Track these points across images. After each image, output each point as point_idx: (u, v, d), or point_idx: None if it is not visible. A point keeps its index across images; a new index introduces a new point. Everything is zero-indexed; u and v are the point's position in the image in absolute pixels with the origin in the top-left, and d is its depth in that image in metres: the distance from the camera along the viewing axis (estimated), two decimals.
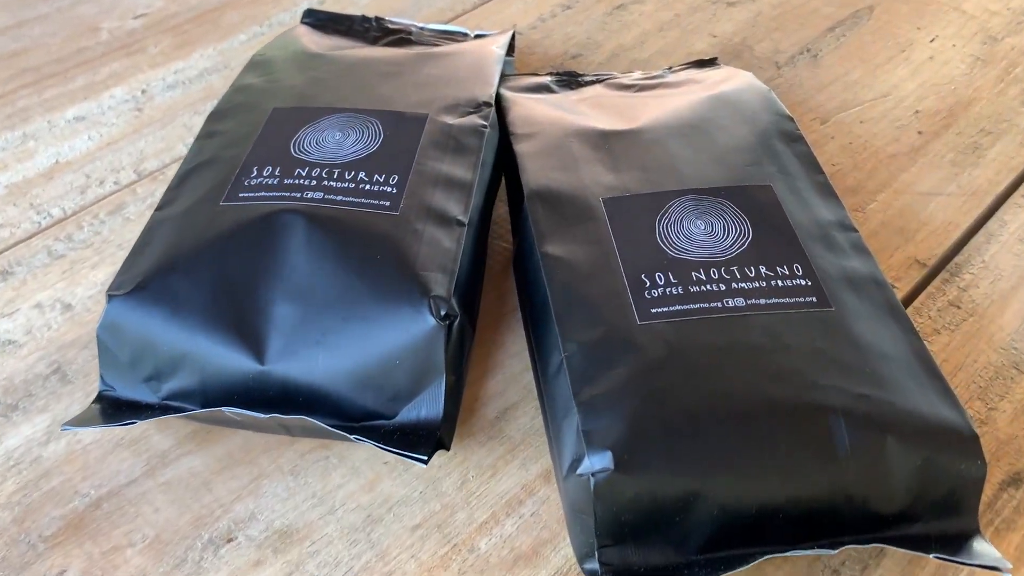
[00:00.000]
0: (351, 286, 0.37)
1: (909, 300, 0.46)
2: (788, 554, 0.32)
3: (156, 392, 0.37)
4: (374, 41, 0.56)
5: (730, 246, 0.39)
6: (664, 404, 0.33)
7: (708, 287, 0.37)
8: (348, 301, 0.37)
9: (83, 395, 0.42)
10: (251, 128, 0.44)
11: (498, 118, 0.49)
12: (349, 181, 0.41)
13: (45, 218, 0.51)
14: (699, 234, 0.39)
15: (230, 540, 0.37)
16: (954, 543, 0.32)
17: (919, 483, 0.33)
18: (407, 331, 0.36)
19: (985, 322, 0.45)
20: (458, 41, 0.56)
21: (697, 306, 0.36)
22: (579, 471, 0.33)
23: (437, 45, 0.55)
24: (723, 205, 0.41)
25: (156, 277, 0.38)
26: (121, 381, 0.38)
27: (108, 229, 0.50)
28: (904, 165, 0.53)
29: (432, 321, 0.36)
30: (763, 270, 0.38)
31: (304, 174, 0.41)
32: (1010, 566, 0.32)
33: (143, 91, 0.60)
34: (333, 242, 0.38)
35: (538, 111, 0.48)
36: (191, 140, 0.54)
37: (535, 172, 0.43)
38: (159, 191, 0.52)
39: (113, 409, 0.37)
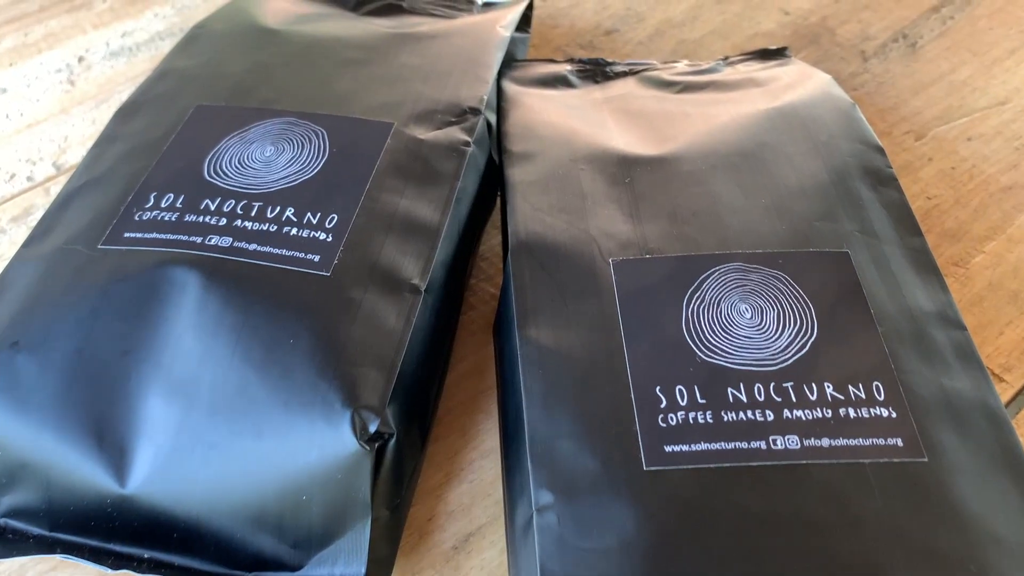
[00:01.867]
0: (248, 384, 0.27)
1: (1020, 399, 0.35)
2: None
3: None
4: (356, 6, 0.44)
5: (786, 347, 0.28)
6: None
7: (750, 414, 0.26)
8: (243, 406, 0.27)
9: None
10: (162, 133, 0.34)
11: (496, 120, 0.37)
12: (270, 221, 0.30)
13: None
14: (744, 325, 0.28)
15: None
16: None
17: None
18: (321, 454, 0.26)
19: None
20: (459, 12, 0.44)
21: (732, 446, 0.25)
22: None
23: (433, 15, 0.44)
24: (779, 281, 0.29)
25: (17, 351, 0.28)
26: None
27: (7, 242, 0.40)
28: (1023, 200, 0.41)
29: (354, 443, 0.26)
30: (830, 390, 0.27)
31: (213, 207, 0.31)
32: None
33: (80, 58, 0.49)
34: (233, 315, 0.28)
35: (545, 117, 0.37)
36: None
37: (527, 214, 0.32)
38: None
39: None
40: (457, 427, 0.34)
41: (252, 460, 0.26)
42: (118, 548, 0.27)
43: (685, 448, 0.25)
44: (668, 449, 0.25)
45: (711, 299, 0.29)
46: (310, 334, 0.27)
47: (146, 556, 0.27)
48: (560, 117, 0.37)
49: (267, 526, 0.26)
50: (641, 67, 0.42)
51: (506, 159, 0.35)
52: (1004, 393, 0.35)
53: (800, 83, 0.38)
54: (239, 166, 0.32)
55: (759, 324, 0.28)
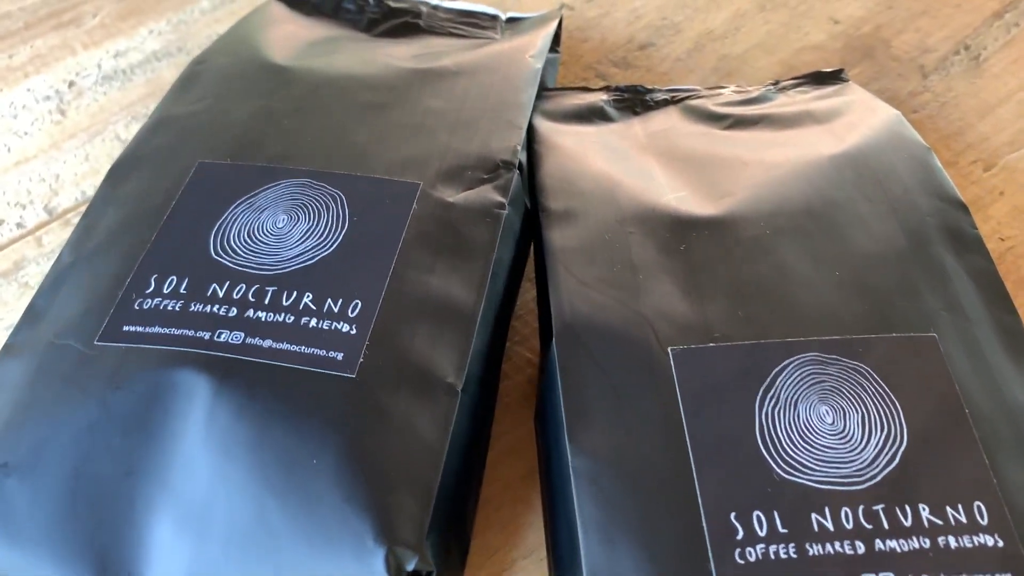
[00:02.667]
0: (267, 512, 0.24)
1: None
2: None
3: None
4: (369, 26, 0.40)
5: (874, 460, 0.24)
6: None
7: (839, 547, 0.23)
8: (261, 538, 0.23)
9: None
10: (162, 198, 0.31)
11: (527, 163, 0.34)
12: (286, 310, 0.27)
13: None
14: (825, 432, 0.25)
15: None
16: None
17: None
18: None
19: None
20: (482, 30, 0.41)
21: None
22: None
23: (453, 34, 0.40)
24: (861, 375, 0.26)
25: (10, 473, 0.25)
26: None
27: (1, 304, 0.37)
28: None
29: None
30: (925, 514, 0.23)
31: (221, 293, 0.27)
32: None
33: (70, 83, 0.45)
34: (247, 429, 0.24)
35: (585, 165, 0.33)
36: None
37: (572, 290, 0.29)
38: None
39: None
40: (496, 521, 0.31)
41: None
42: None
43: None
44: None
45: (787, 399, 0.26)
46: (335, 452, 0.24)
47: None
48: (601, 163, 0.34)
49: None
50: (684, 94, 0.39)
51: (544, 218, 0.31)
52: None
53: (864, 120, 0.35)
54: (248, 240, 0.29)
55: (842, 431, 0.25)
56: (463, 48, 0.38)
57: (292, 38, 0.38)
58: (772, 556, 0.23)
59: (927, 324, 0.27)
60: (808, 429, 0.25)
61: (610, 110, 0.38)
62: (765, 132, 0.35)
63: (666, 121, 0.37)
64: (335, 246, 0.29)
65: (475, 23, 0.41)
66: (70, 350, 0.27)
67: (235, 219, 0.29)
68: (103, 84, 0.45)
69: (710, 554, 0.23)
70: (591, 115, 0.38)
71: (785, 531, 0.23)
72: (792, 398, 0.26)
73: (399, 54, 0.37)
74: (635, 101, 0.38)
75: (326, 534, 0.23)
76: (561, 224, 0.31)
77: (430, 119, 0.33)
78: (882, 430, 0.25)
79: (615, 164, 0.34)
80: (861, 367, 0.26)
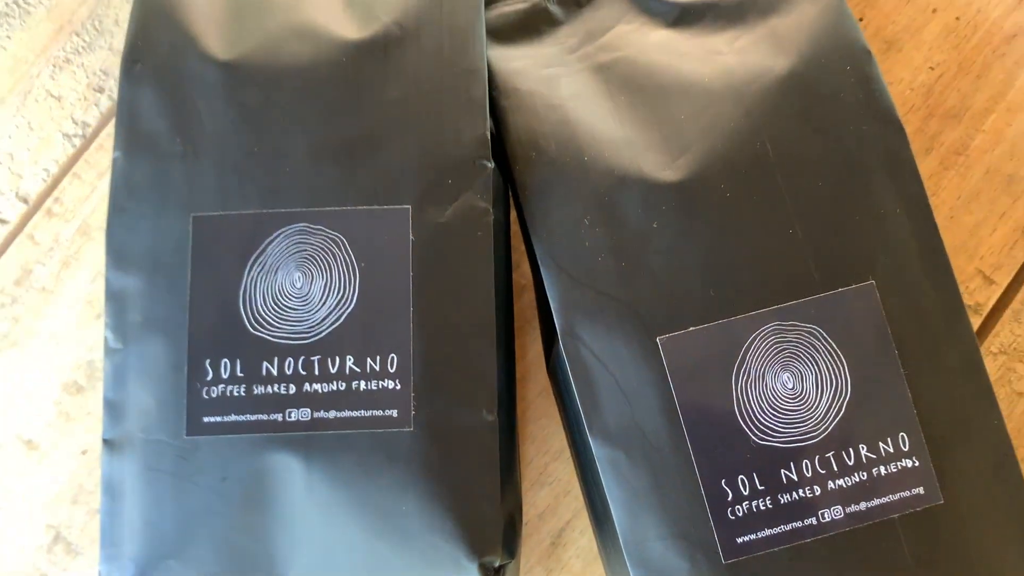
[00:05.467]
0: (377, 553, 0.31)
1: (1007, 298, 0.39)
2: None
3: None
4: None
5: (825, 414, 0.32)
6: None
7: (801, 493, 0.31)
8: (379, 571, 0.31)
9: None
10: (175, 262, 0.33)
11: (492, 116, 0.35)
12: (336, 377, 0.32)
13: None
14: (788, 397, 0.32)
15: None
16: None
17: None
18: None
19: None
20: None
21: (789, 528, 0.31)
22: None
23: None
24: (814, 337, 0.32)
25: (152, 567, 0.32)
26: None
27: (25, 310, 0.40)
28: None
29: None
30: (864, 452, 0.32)
31: (275, 372, 0.32)
32: None
33: None
34: (341, 493, 0.31)
35: (550, 125, 0.35)
36: (69, 125, 0.40)
37: (568, 293, 0.33)
38: (67, 234, 0.40)
39: None
40: (527, 435, 0.38)
41: None
42: None
43: (753, 537, 0.31)
44: (740, 541, 0.31)
45: (756, 372, 0.32)
46: (416, 497, 0.31)
47: None
48: (566, 113, 0.35)
49: None
50: None
51: (531, 216, 0.34)
52: (992, 295, 0.39)
53: (807, 17, 0.35)
54: (275, 307, 0.32)
55: (800, 393, 0.32)
56: None
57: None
58: (754, 509, 0.31)
59: (867, 271, 0.32)
60: (774, 397, 0.32)
61: (554, 9, 0.38)
62: (711, 36, 0.36)
63: (614, 15, 0.37)
64: (355, 300, 0.32)
65: None
66: (165, 446, 0.32)
67: (255, 286, 0.32)
68: (1, 24, 0.42)
69: (709, 515, 0.31)
70: (540, 25, 0.37)
71: (762, 488, 0.31)
72: (760, 371, 0.32)
73: (327, 2, 0.35)
74: None
75: (428, 561, 0.31)
76: (548, 217, 0.34)
77: (394, 122, 0.33)
78: (831, 386, 0.32)
79: (582, 112, 0.35)
80: (814, 328, 0.32)
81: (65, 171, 0.41)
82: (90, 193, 0.41)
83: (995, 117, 0.40)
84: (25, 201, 0.41)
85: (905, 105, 0.40)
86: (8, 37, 0.42)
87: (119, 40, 0.42)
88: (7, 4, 0.42)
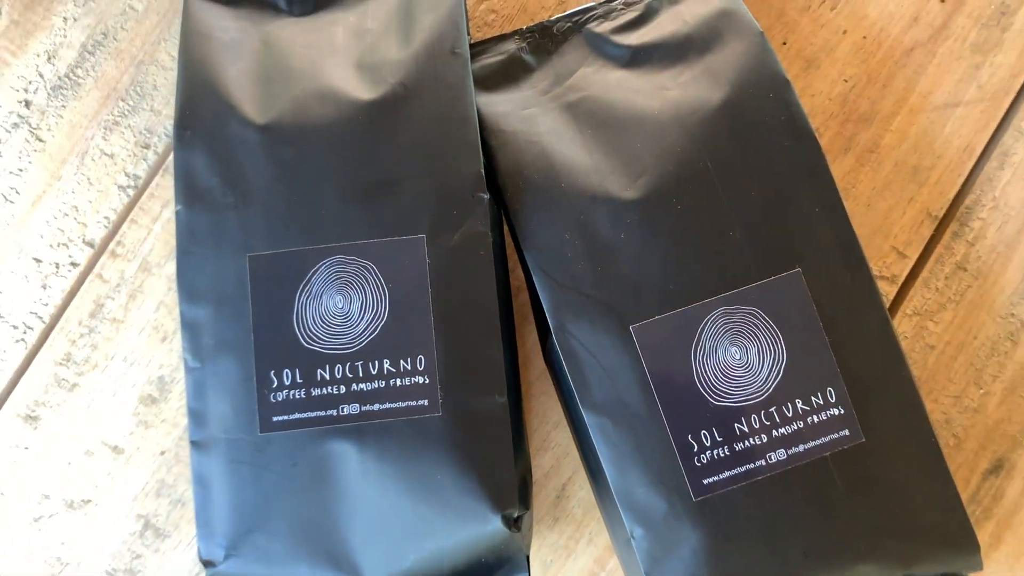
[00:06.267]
0: (421, 514, 0.39)
1: (918, 269, 0.47)
2: None
3: None
4: (290, 2, 0.45)
5: (767, 378, 0.40)
6: None
7: (752, 441, 0.40)
8: (424, 529, 0.39)
9: (185, 547, 0.46)
10: (237, 294, 0.40)
11: (483, 153, 0.43)
12: (377, 377, 0.40)
13: (26, 332, 0.48)
14: (736, 366, 0.40)
15: None
16: None
17: None
18: (488, 543, 0.40)
19: (988, 284, 0.47)
20: None
21: (743, 469, 0.39)
22: None
23: None
24: (756, 317, 0.40)
25: (241, 540, 0.40)
26: None
27: (102, 339, 0.48)
28: (922, 63, 0.48)
29: (506, 531, 0.40)
30: (800, 405, 0.40)
31: (328, 377, 0.40)
32: None
33: (26, 103, 0.49)
34: (389, 469, 0.39)
35: (532, 158, 0.43)
36: (123, 178, 0.47)
37: (557, 295, 0.41)
38: (130, 271, 0.48)
39: None
40: (531, 411, 0.47)
41: (444, 554, 0.40)
42: None
43: (716, 479, 0.39)
44: (705, 482, 0.39)
45: (710, 347, 0.40)
46: (449, 467, 0.39)
47: None
48: (544, 148, 0.43)
49: (464, 574, 0.41)
50: (583, 16, 0.46)
51: (522, 234, 0.42)
52: (904, 268, 0.47)
53: (735, 53, 0.43)
54: (323, 324, 0.40)
55: (746, 363, 0.40)
56: (390, 36, 0.43)
57: (241, 66, 0.43)
58: (715, 457, 0.40)
59: (794, 262, 0.41)
60: (725, 367, 0.40)
61: (528, 59, 0.45)
62: (658, 74, 0.44)
63: (577, 60, 0.45)
64: (387, 314, 0.40)
65: None
66: (243, 442, 0.40)
67: (305, 309, 0.40)
68: (56, 97, 0.49)
69: (680, 464, 0.40)
70: (518, 72, 0.45)
71: (720, 439, 0.40)
72: (713, 346, 0.40)
73: (340, 68, 0.43)
74: (545, 39, 0.45)
75: (461, 516, 0.39)
76: (538, 236, 0.41)
77: (406, 166, 0.41)
78: (770, 355, 0.40)
79: (557, 145, 0.43)
80: (754, 310, 0.40)
81: (123, 218, 0.48)
82: (146, 235, 0.48)
83: (900, 118, 0.48)
84: (91, 246, 0.48)
85: (825, 113, 0.48)
86: (64, 107, 0.49)
87: (158, 102, 0.49)
88: (60, 79, 0.49)
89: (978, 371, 0.46)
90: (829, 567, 0.39)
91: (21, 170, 0.49)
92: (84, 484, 0.47)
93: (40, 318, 0.48)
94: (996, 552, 0.46)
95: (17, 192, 0.48)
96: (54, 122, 0.49)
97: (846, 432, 0.40)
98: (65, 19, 0.49)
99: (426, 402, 0.39)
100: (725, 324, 0.40)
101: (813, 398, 0.40)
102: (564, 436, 0.47)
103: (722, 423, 0.40)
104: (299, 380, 0.40)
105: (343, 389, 0.39)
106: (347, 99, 0.42)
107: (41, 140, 0.49)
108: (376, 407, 0.39)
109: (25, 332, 0.47)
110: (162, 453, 0.47)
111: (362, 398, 0.39)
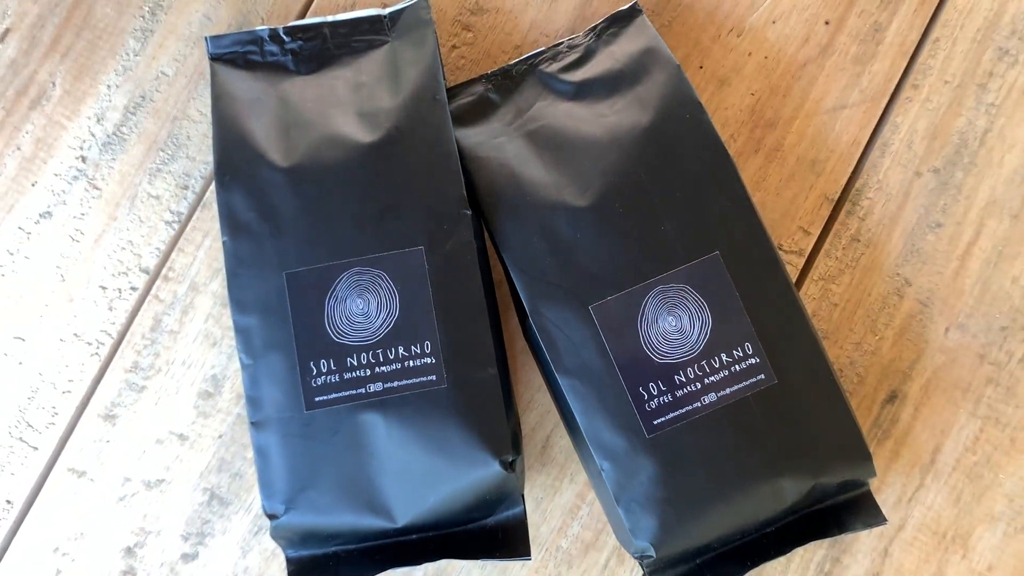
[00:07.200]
0: (436, 466, 0.50)
1: (820, 243, 0.59)
2: (770, 560, 0.53)
3: (326, 548, 0.53)
4: (298, 66, 0.56)
5: (698, 339, 0.51)
6: (678, 502, 0.50)
7: (689, 388, 0.51)
8: (439, 478, 0.50)
9: (245, 511, 0.57)
10: (278, 302, 0.51)
11: (464, 178, 0.54)
12: (394, 361, 0.51)
13: (99, 347, 0.58)
14: (673, 331, 0.51)
15: None
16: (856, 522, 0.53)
17: (837, 495, 0.52)
18: (490, 483, 0.51)
19: (877, 251, 0.59)
20: (376, 35, 0.56)
21: (684, 411, 0.51)
22: (631, 550, 0.51)
23: (356, 50, 0.56)
24: (686, 292, 0.52)
25: (296, 496, 0.50)
26: (298, 550, 0.53)
27: (162, 348, 0.58)
28: (814, 75, 0.59)
29: (504, 473, 0.51)
30: (724, 358, 0.51)
31: (355, 363, 0.51)
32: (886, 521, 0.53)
33: (83, 158, 0.59)
34: (410, 432, 0.50)
35: (505, 177, 0.53)
36: (168, 215, 0.58)
37: (531, 286, 0.52)
38: (181, 291, 0.58)
39: (309, 571, 0.53)
40: (517, 380, 0.58)
41: (456, 495, 0.51)
42: (402, 541, 0.53)
43: (663, 419, 0.51)
44: (655, 423, 0.51)
45: (652, 318, 0.51)
46: (455, 426, 0.50)
47: (415, 538, 0.53)
48: (513, 170, 0.54)
49: (471, 511, 0.52)
50: (537, 59, 0.57)
51: (499, 240, 0.53)
52: (809, 243, 0.59)
53: (657, 84, 0.54)
54: (348, 322, 0.51)
55: (680, 328, 0.51)
56: (382, 88, 0.54)
57: (264, 120, 0.53)
58: (662, 402, 0.51)
59: (713, 247, 0.52)
60: (665, 332, 0.51)
61: (494, 97, 0.56)
62: (598, 104, 0.55)
63: (533, 96, 0.56)
64: (399, 313, 0.51)
65: (367, 30, 0.56)
66: (293, 419, 0.51)
67: (333, 311, 0.51)
68: (107, 151, 0.59)
69: (635, 410, 0.51)
70: (486, 109, 0.56)
71: (664, 389, 0.51)
72: (654, 317, 0.51)
73: (344, 117, 0.54)
74: (507, 80, 0.56)
75: (468, 464, 0.50)
76: (512, 240, 0.52)
77: (404, 194, 0.52)
78: (699, 321, 0.51)
79: (521, 166, 0.54)
80: (685, 287, 0.52)
81: (171, 248, 0.59)
82: (192, 261, 0.59)
83: (798, 122, 0.59)
84: (147, 272, 0.59)
85: (737, 122, 0.59)
86: (114, 159, 0.59)
87: (192, 150, 0.59)
88: (109, 136, 0.59)
89: (873, 321, 0.58)
90: (756, 482, 0.50)
91: (83, 214, 0.59)
92: (158, 467, 0.57)
93: (109, 335, 0.58)
94: (895, 464, 0.57)
95: (81, 233, 0.59)
96: (107, 172, 0.59)
97: (762, 376, 0.51)
98: (109, 87, 0.60)
99: (434, 377, 0.50)
100: (663, 299, 0.51)
101: (734, 351, 0.51)
102: (545, 398, 0.58)
103: (665, 376, 0.51)
104: (333, 368, 0.50)
105: (368, 372, 0.50)
106: (353, 142, 0.53)
107: (97, 188, 0.59)
108: (395, 384, 0.50)
109: (98, 347, 0.58)
110: (220, 436, 0.58)
111: (384, 378, 0.50)
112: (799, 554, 0.56)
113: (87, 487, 0.57)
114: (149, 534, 0.57)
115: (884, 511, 0.56)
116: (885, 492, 0.57)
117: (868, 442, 0.53)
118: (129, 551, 0.56)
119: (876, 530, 0.56)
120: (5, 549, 0.56)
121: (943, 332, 0.58)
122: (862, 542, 0.57)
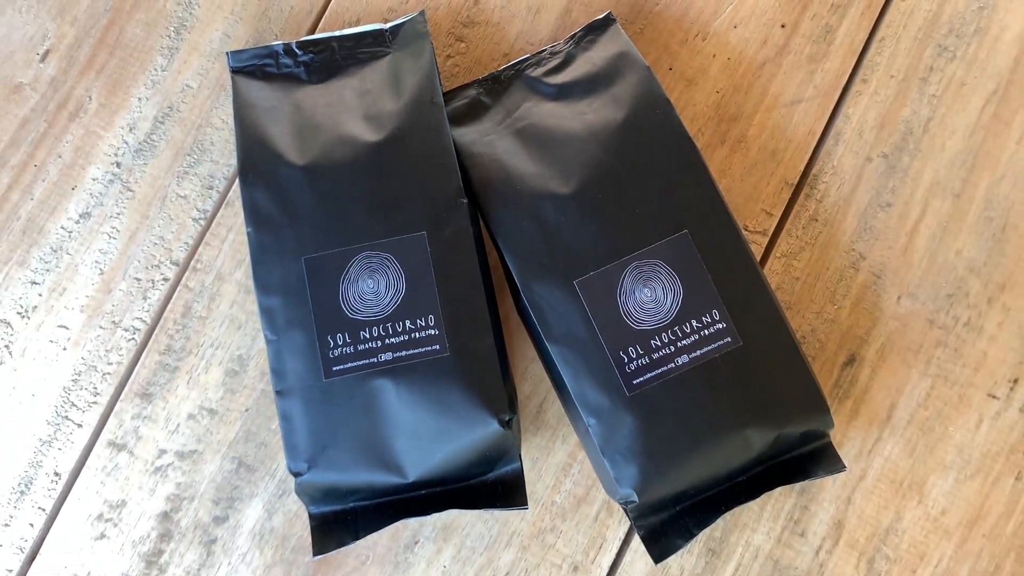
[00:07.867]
0: (440, 425, 0.57)
1: (782, 223, 0.66)
2: (741, 504, 0.59)
3: (344, 503, 0.60)
4: (309, 76, 0.62)
5: (670, 308, 0.58)
6: (657, 452, 0.57)
7: (664, 351, 0.57)
8: (445, 436, 0.57)
9: (270, 477, 0.64)
10: (298, 284, 0.57)
11: (460, 172, 0.60)
12: (402, 333, 0.57)
13: (135, 333, 0.65)
14: (648, 301, 0.58)
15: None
16: (817, 469, 0.59)
17: (800, 447, 0.58)
18: (489, 441, 0.57)
19: (834, 229, 0.65)
20: (379, 47, 0.63)
21: (659, 371, 0.57)
22: (617, 499, 0.58)
23: (361, 61, 0.62)
24: (659, 267, 0.58)
25: (317, 456, 0.57)
26: (320, 507, 0.59)
27: (192, 332, 0.65)
28: (773, 73, 0.66)
29: (501, 430, 0.57)
30: (694, 324, 0.58)
31: (367, 336, 0.57)
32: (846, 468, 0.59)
33: (117, 163, 0.66)
34: (417, 395, 0.56)
35: (497, 171, 0.60)
36: (195, 212, 0.65)
37: (522, 266, 0.59)
38: (208, 281, 0.65)
39: (331, 525, 0.59)
40: (512, 351, 0.64)
41: (461, 453, 0.57)
42: (412, 495, 0.59)
43: (642, 379, 0.57)
44: (634, 382, 0.57)
45: (629, 290, 0.58)
46: (457, 389, 0.56)
47: (424, 493, 0.59)
48: (504, 163, 0.60)
49: (474, 466, 0.59)
50: (523, 65, 0.63)
51: (493, 226, 0.59)
52: (771, 223, 0.65)
53: (629, 85, 0.61)
54: (361, 300, 0.57)
55: (655, 298, 0.58)
56: (385, 94, 0.61)
57: (282, 127, 0.60)
58: (640, 364, 0.57)
59: (682, 226, 0.58)
60: (641, 302, 0.58)
61: (485, 100, 0.63)
62: (578, 103, 0.61)
63: (520, 98, 0.62)
64: (405, 291, 0.57)
65: (370, 43, 0.63)
66: (313, 387, 0.57)
67: (347, 291, 0.57)
68: (139, 157, 0.66)
69: (616, 371, 0.57)
70: (479, 110, 0.62)
71: (641, 352, 0.57)
72: (631, 289, 0.58)
73: (352, 120, 0.60)
74: (496, 85, 0.63)
75: (469, 422, 0.57)
76: (506, 227, 0.59)
77: (408, 186, 0.58)
78: (672, 292, 0.58)
79: (511, 160, 0.60)
80: (659, 262, 0.58)
81: (199, 242, 0.65)
82: (218, 253, 0.65)
83: (759, 116, 0.66)
84: (177, 264, 0.65)
85: (704, 117, 0.66)
86: (145, 164, 0.66)
87: (215, 154, 0.66)
88: (140, 143, 0.66)
89: (831, 292, 0.65)
90: (725, 433, 0.57)
91: (119, 214, 0.66)
92: (190, 439, 0.64)
93: (144, 321, 0.65)
94: (855, 421, 0.64)
95: (117, 231, 0.65)
96: (139, 176, 0.66)
97: (728, 339, 0.57)
98: (139, 99, 0.66)
99: (437, 347, 0.57)
100: (638, 273, 0.58)
101: (703, 318, 0.58)
102: (537, 368, 0.64)
103: (642, 341, 0.57)
104: (348, 340, 0.57)
105: (379, 344, 0.57)
106: (360, 142, 0.59)
107: (131, 190, 0.66)
108: (404, 353, 0.57)
109: (134, 333, 0.65)
110: (246, 410, 0.64)
111: (393, 348, 0.57)
112: (771, 503, 0.63)
113: (126, 459, 0.63)
114: (183, 500, 0.63)
115: (846, 463, 0.62)
116: (847, 446, 0.63)
117: (829, 400, 0.59)
118: (165, 516, 0.63)
119: (840, 480, 0.63)
120: (54, 516, 0.63)
121: (895, 300, 0.64)
122: (827, 491, 0.63)
